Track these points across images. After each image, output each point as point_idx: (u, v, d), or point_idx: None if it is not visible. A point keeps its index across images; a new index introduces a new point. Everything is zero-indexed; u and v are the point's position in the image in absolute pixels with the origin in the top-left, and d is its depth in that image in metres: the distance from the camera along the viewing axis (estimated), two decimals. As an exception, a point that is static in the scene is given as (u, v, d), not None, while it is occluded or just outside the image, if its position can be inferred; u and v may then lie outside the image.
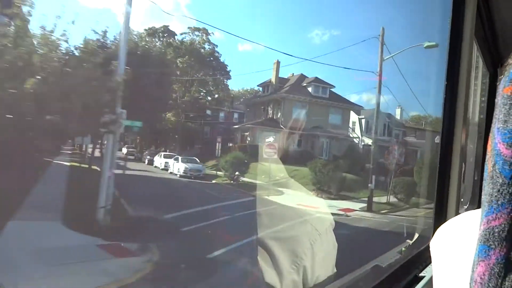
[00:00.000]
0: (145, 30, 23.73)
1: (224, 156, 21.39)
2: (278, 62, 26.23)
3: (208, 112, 26.99)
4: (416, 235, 2.48)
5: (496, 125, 0.46)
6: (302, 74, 26.60)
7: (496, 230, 0.44)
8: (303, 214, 1.24)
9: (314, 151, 23.78)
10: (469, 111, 3.15)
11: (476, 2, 1.81)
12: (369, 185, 17.45)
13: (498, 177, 0.44)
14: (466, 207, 2.84)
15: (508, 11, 1.97)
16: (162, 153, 21.92)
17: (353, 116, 26.50)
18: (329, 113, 25.34)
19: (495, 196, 0.44)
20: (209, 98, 26.76)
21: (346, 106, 25.00)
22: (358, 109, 26.13)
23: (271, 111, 25.96)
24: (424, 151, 23.48)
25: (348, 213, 14.46)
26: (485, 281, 0.44)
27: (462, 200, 2.74)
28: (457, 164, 1.96)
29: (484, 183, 0.47)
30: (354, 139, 25.95)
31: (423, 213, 14.82)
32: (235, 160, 19.87)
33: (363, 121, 26.22)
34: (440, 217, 2.01)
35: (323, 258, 1.13)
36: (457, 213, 1.96)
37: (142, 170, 19.15)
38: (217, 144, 24.60)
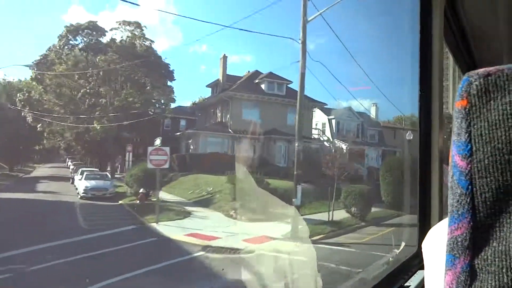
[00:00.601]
0: (66, 27, 20.74)
1: (131, 169, 17.64)
2: (224, 57, 23.12)
3: (168, 121, 23.17)
4: (403, 244, 2.48)
5: (452, 138, 0.49)
6: (257, 71, 23.34)
7: (459, 239, 0.47)
8: None
9: (270, 158, 20.84)
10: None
11: (442, 10, 1.86)
12: (293, 200, 12.62)
13: (456, 188, 0.48)
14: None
15: (474, 15, 2.04)
16: (80, 169, 18.84)
17: (322, 117, 23.32)
18: (288, 113, 21.40)
19: (455, 206, 0.48)
20: (157, 104, 22.44)
21: (307, 104, 20.73)
22: (321, 106, 22.47)
23: (219, 114, 22.64)
24: (399, 153, 21.51)
25: (255, 245, 9.88)
26: None
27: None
28: (437, 169, 2.00)
29: (448, 193, 0.50)
30: (325, 142, 22.63)
31: (390, 230, 13.13)
32: (142, 174, 15.71)
33: (333, 121, 23.42)
34: (424, 223, 2.04)
35: (301, 262, 1.12)
36: (441, 217, 1.98)
37: (45, 192, 16.60)
38: (127, 154, 19.64)
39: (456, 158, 0.48)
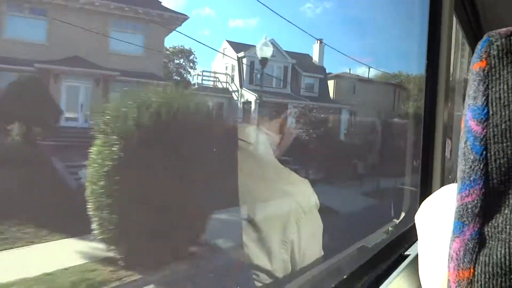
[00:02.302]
0: None
1: None
2: None
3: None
4: (403, 214, 2.60)
5: (467, 102, 0.49)
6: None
7: (469, 206, 0.47)
8: (287, 192, 1.26)
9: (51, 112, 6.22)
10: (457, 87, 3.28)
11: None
12: None
13: (469, 153, 0.48)
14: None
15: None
16: None
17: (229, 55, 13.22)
18: (112, 27, 7.69)
19: (467, 172, 0.48)
20: None
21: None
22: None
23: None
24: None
25: None
26: (460, 256, 0.48)
27: (450, 177, 2.86)
28: (440, 140, 2.07)
29: (458, 160, 0.50)
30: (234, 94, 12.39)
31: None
32: None
33: (244, 62, 13.11)
34: (425, 193, 2.12)
35: (308, 237, 1.19)
36: (442, 188, 2.06)
37: None
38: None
39: (470, 122, 0.47)
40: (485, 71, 0.46)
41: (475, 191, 0.47)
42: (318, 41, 15.74)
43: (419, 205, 2.15)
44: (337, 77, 16.10)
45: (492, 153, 0.45)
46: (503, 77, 0.45)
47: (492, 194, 0.46)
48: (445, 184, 2.25)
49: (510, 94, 0.44)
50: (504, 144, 0.45)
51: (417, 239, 1.78)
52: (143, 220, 3.39)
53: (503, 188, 0.45)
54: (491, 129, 0.45)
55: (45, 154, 5.21)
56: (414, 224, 2.00)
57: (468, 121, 0.48)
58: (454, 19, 2.09)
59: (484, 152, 0.46)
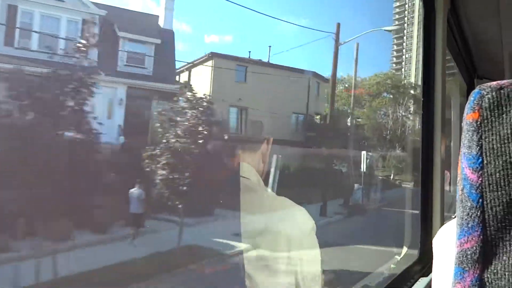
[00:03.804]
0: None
1: None
2: None
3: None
4: (405, 249, 2.58)
5: (462, 150, 0.51)
6: None
7: (469, 252, 0.49)
8: (286, 219, 1.30)
9: None
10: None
11: (445, 17, 1.97)
12: None
13: (466, 201, 0.49)
14: (454, 216, 2.98)
15: (477, 23, 2.14)
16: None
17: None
18: None
19: (465, 219, 0.49)
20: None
21: None
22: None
23: None
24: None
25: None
26: None
27: (452, 207, 2.85)
28: (439, 176, 2.08)
29: (456, 205, 0.52)
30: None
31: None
32: None
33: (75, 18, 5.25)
34: (426, 229, 2.11)
35: (309, 262, 1.20)
36: (442, 223, 2.07)
37: None
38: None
39: (466, 171, 0.49)
40: (478, 122, 0.49)
41: (474, 238, 0.48)
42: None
43: (421, 240, 2.15)
44: (216, 56, 9.66)
45: (488, 201, 0.47)
46: (495, 128, 0.48)
47: (490, 241, 0.48)
48: (448, 219, 2.25)
49: (502, 145, 0.47)
50: (499, 193, 0.46)
51: (419, 277, 1.78)
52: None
53: (500, 235, 0.47)
54: (486, 178, 0.47)
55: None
56: (416, 261, 2.00)
57: (464, 169, 0.50)
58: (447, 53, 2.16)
59: (481, 200, 0.48)
